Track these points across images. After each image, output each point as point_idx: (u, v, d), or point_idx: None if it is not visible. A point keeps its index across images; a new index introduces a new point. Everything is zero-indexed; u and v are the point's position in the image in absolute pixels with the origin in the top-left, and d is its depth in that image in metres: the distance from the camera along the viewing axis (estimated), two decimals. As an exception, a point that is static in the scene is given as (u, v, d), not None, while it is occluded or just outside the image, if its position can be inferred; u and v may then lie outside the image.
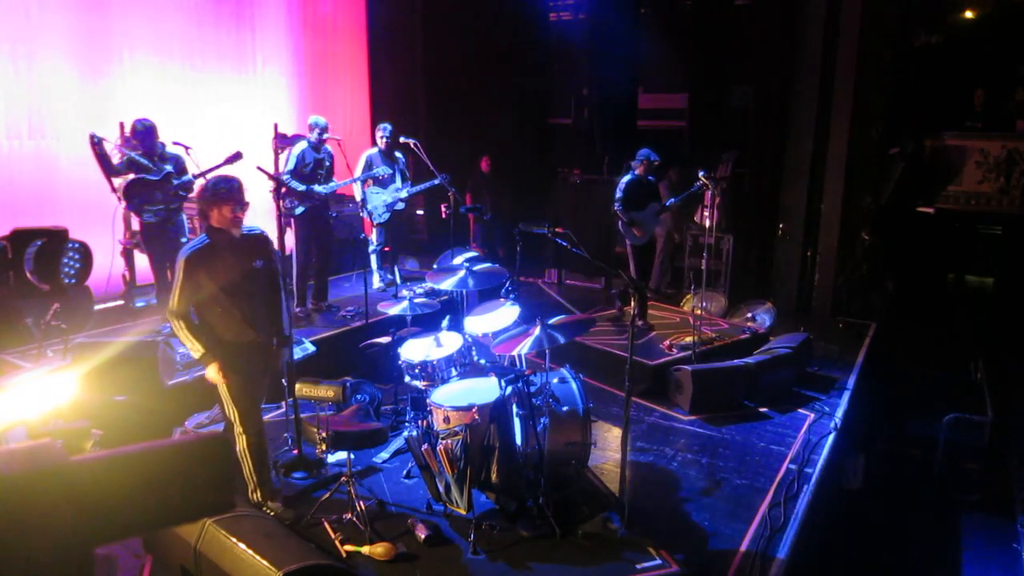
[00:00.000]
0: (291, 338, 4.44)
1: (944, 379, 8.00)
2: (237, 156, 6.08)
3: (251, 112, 8.81)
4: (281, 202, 7.00)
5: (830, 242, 9.05)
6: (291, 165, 7.10)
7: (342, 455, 5.05)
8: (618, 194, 7.39)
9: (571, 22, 11.85)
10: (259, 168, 6.00)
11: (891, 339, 8.49)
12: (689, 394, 6.12)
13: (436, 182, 7.62)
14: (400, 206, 8.06)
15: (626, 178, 7.44)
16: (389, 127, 7.87)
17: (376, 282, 8.27)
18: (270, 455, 4.99)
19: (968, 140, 10.12)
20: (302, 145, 7.20)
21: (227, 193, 4.02)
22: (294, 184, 6.99)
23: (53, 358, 5.51)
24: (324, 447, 4.38)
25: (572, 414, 4.51)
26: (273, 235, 8.25)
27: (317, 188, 7.13)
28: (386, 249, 8.34)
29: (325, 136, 7.19)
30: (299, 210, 7.09)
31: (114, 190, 6.11)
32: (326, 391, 4.15)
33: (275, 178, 6.54)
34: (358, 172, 7.73)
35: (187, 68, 8.05)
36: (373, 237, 8.14)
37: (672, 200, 7.52)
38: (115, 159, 6.05)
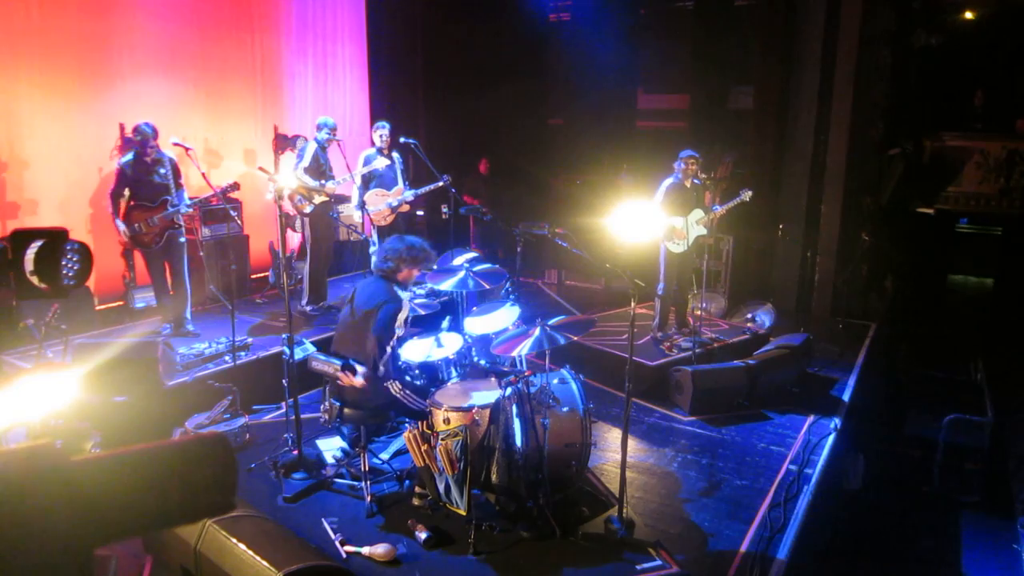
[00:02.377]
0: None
1: (944, 380, 8.00)
2: (235, 187, 6.19)
3: (251, 112, 8.82)
4: (292, 200, 7.05)
5: (830, 243, 9.05)
6: (305, 162, 7.11)
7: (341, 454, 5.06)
8: (658, 197, 6.86)
9: (571, 23, 11.85)
10: (260, 168, 6.03)
11: (891, 340, 8.49)
12: (689, 395, 6.12)
13: (440, 183, 7.54)
14: (404, 208, 8.05)
15: (667, 181, 6.88)
16: (388, 125, 7.79)
17: None
18: (268, 455, 5.00)
19: (968, 141, 10.12)
20: (313, 145, 7.20)
21: (424, 257, 4.61)
22: (306, 179, 7.00)
23: (53, 359, 5.51)
24: (330, 418, 4.47)
25: (572, 415, 4.51)
26: (274, 235, 8.27)
27: (329, 185, 7.16)
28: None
29: (334, 137, 7.20)
30: (308, 208, 7.11)
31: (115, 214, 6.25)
32: (332, 367, 4.32)
33: (275, 178, 6.57)
34: (357, 172, 7.70)
35: (187, 69, 8.05)
36: (375, 239, 8.11)
37: (717, 207, 7.01)
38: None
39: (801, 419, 6.05)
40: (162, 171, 6.23)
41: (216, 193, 6.18)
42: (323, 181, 7.16)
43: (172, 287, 6.54)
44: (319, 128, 7.22)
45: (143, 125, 6.20)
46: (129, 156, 6.25)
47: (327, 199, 7.23)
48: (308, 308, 7.37)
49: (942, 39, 10.34)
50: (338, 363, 4.33)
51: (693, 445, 5.58)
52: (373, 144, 7.86)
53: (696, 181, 6.99)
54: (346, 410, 4.50)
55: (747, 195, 6.89)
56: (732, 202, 6.98)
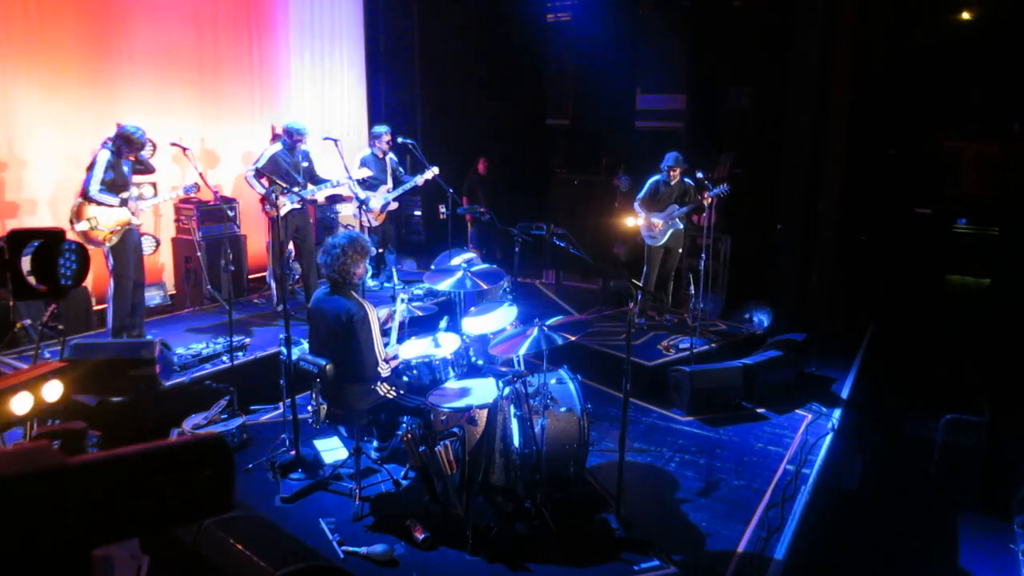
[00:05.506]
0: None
1: (942, 380, 8.00)
2: (195, 187, 6.20)
3: (249, 112, 8.81)
4: (262, 205, 7.02)
5: (828, 243, 9.05)
6: (260, 163, 7.02)
7: (340, 455, 5.06)
8: (641, 193, 7.61)
9: (568, 23, 11.85)
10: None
11: (889, 340, 8.50)
12: (687, 395, 6.13)
13: (416, 181, 7.76)
14: (393, 206, 8.09)
15: (654, 178, 7.57)
16: (387, 129, 7.93)
17: (369, 281, 8.31)
18: (266, 456, 5.00)
19: (966, 141, 10.13)
20: (276, 147, 7.16)
21: (364, 244, 4.43)
22: (252, 182, 6.93)
23: (51, 359, 5.50)
24: (318, 420, 4.47)
25: (570, 415, 4.52)
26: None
27: (296, 191, 7.03)
28: (379, 251, 8.42)
29: (299, 141, 7.13)
30: (281, 212, 6.99)
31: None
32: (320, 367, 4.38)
33: (273, 181, 6.57)
34: (355, 175, 7.79)
35: (185, 69, 8.04)
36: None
37: (677, 208, 7.46)
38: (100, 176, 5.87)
39: (799, 419, 6.06)
40: (125, 171, 6.11)
41: (177, 194, 6.25)
42: (290, 187, 6.97)
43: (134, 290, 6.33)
44: (286, 133, 7.13)
45: (139, 130, 6.00)
46: (108, 153, 5.94)
47: (299, 206, 7.12)
48: (279, 308, 7.37)
49: (940, 40, 10.35)
50: (324, 363, 4.32)
51: (691, 445, 5.59)
52: (372, 147, 7.99)
53: (687, 181, 7.44)
54: (334, 411, 4.49)
55: (707, 200, 7.13)
56: (690, 206, 7.43)
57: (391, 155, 8.03)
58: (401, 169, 8.16)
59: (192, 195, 6.43)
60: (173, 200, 6.51)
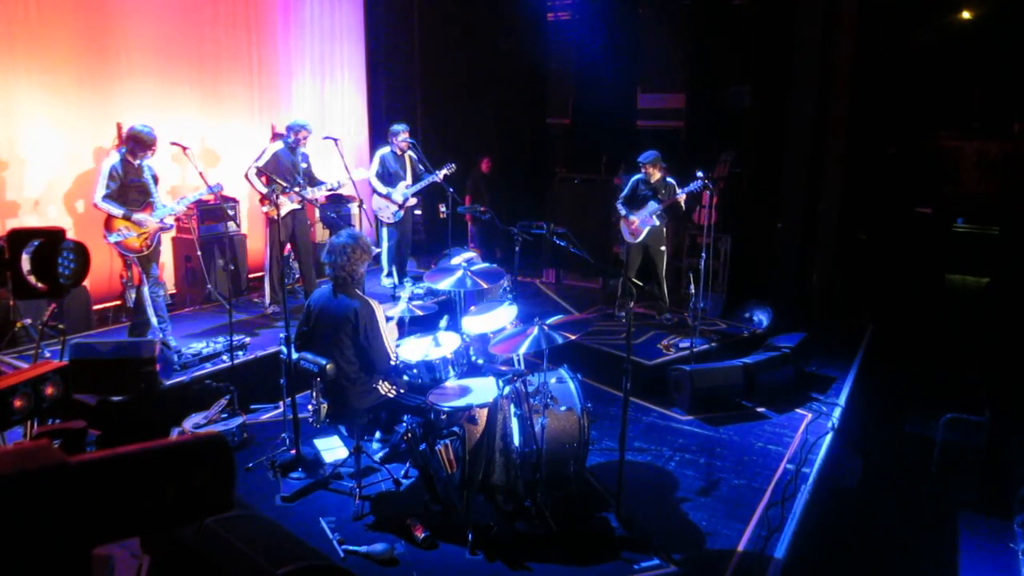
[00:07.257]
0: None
1: (942, 379, 8.01)
2: (218, 187, 6.22)
3: (249, 113, 8.81)
4: (262, 204, 7.00)
5: (828, 242, 9.05)
6: (261, 161, 7.03)
7: (340, 454, 5.06)
8: (623, 192, 7.75)
9: (569, 22, 11.85)
10: (258, 168, 6.01)
11: (889, 339, 8.51)
12: (687, 394, 6.13)
13: (435, 177, 7.82)
14: (412, 202, 8.14)
15: (635, 176, 7.66)
16: (405, 127, 8.02)
17: (384, 280, 8.34)
18: (266, 455, 5.01)
19: (966, 141, 10.14)
20: (278, 145, 7.16)
21: (367, 242, 4.50)
22: (252, 180, 6.92)
23: (51, 359, 5.50)
24: (319, 419, 4.47)
25: (570, 414, 4.52)
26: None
27: (298, 191, 7.00)
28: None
29: (304, 137, 7.14)
30: (282, 212, 6.96)
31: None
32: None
33: (272, 180, 6.56)
34: (373, 171, 7.97)
35: (184, 68, 8.03)
36: (384, 235, 8.20)
37: (654, 205, 7.50)
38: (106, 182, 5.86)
39: (799, 418, 6.06)
40: (145, 175, 6.06)
41: (206, 192, 6.23)
42: (291, 187, 6.91)
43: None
44: (288, 131, 7.16)
45: (148, 128, 5.98)
46: (116, 158, 5.94)
47: (299, 206, 7.09)
48: (270, 310, 7.40)
49: (941, 39, 10.34)
50: (324, 362, 4.32)
51: (691, 444, 5.59)
52: (387, 143, 8.06)
53: (669, 180, 7.51)
54: (335, 410, 4.49)
55: (681, 197, 7.33)
56: (668, 199, 7.47)
57: (410, 152, 8.10)
58: (422, 166, 8.14)
59: (211, 196, 6.37)
60: (189, 205, 6.48)
